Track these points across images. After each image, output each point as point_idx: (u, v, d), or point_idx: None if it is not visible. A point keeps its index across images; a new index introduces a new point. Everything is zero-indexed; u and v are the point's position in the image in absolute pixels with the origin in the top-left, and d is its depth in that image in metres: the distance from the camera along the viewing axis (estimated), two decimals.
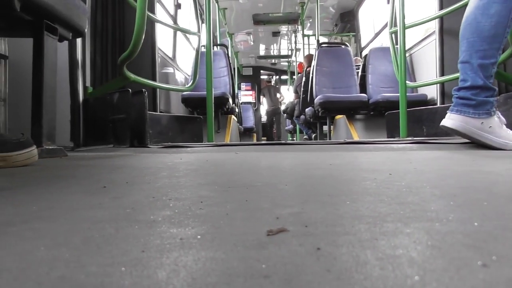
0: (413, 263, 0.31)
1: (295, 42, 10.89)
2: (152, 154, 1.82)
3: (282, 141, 3.54)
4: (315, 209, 0.53)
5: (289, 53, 12.54)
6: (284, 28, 10.28)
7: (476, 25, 1.89)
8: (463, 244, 0.36)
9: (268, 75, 14.40)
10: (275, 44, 11.95)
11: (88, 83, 2.71)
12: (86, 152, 2.12)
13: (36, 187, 0.78)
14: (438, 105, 3.63)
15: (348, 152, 1.80)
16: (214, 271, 0.30)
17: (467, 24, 1.93)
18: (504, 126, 1.90)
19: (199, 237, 0.40)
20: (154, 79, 3.84)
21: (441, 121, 2.00)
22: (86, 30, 1.90)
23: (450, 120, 1.97)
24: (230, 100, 5.49)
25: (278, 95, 12.73)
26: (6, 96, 2.21)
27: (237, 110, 6.64)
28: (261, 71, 14.40)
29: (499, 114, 1.93)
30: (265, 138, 13.61)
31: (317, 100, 5.07)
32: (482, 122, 1.88)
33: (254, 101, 14.03)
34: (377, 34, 6.56)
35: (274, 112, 12.67)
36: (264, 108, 13.48)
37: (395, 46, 3.97)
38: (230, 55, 9.94)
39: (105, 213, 0.52)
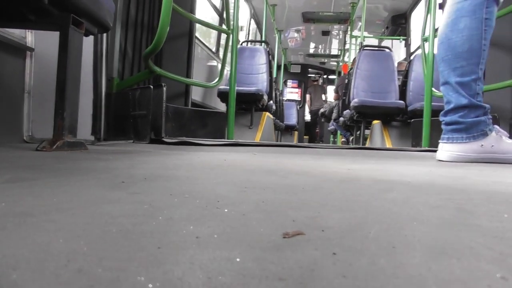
0: (431, 273, 0.31)
1: (344, 43, 10.73)
2: (171, 151, 1.83)
3: (298, 144, 3.52)
4: (332, 213, 0.52)
5: (339, 53, 12.31)
6: (334, 28, 10.13)
7: (448, 42, 1.76)
8: (482, 256, 0.36)
9: (316, 74, 14.05)
10: (324, 44, 11.77)
11: (115, 75, 2.75)
12: (106, 146, 2.15)
13: (56, 179, 0.79)
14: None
15: (366, 157, 1.78)
16: (229, 271, 0.30)
17: (440, 44, 1.81)
18: (507, 139, 1.72)
19: (215, 236, 0.40)
20: (188, 73, 3.85)
21: None
22: (111, 25, 1.93)
23: (444, 153, 1.78)
24: (266, 97, 5.42)
25: (323, 96, 12.54)
26: (31, 88, 2.25)
27: (274, 107, 6.49)
28: (309, 69, 14.11)
29: (498, 128, 1.74)
30: (308, 137, 13.44)
31: (352, 103, 4.99)
32: (482, 145, 1.69)
33: (300, 99, 13.83)
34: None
35: (318, 112, 12.49)
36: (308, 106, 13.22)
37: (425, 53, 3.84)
38: (276, 51, 9.88)
39: (123, 208, 0.52)
